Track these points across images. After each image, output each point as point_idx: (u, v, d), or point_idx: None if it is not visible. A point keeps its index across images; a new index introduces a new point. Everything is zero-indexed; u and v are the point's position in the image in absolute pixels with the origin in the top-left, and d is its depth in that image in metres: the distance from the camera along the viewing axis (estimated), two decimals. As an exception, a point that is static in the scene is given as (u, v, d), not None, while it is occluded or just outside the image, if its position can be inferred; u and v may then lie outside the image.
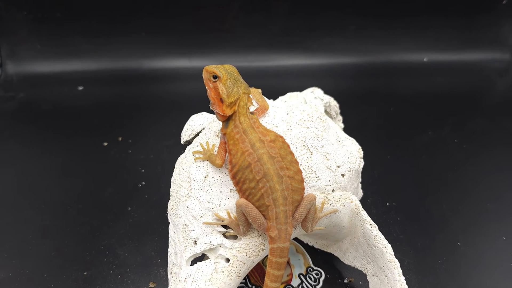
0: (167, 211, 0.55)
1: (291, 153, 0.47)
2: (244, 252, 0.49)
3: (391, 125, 1.03)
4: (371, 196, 0.77)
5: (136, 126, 1.02)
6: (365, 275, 0.56)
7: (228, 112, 0.48)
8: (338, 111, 0.70)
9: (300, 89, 0.69)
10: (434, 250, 0.68)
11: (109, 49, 1.25)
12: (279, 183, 0.45)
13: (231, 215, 0.49)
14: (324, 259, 0.65)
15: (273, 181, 0.44)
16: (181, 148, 0.59)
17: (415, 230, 0.72)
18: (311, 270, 0.64)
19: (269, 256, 0.47)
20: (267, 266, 0.47)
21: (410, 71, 1.26)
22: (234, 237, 0.50)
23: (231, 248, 0.49)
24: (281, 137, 0.48)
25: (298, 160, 0.49)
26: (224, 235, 0.50)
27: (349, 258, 0.60)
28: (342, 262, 0.61)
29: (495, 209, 0.77)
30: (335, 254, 0.63)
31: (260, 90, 0.57)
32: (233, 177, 0.47)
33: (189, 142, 0.59)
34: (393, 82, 1.22)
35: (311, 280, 0.63)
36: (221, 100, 0.47)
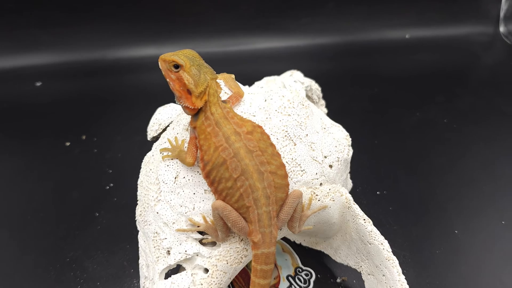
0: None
1: (272, 145, 0.44)
2: (225, 260, 0.45)
3: (376, 108, 1.01)
4: (360, 185, 0.74)
5: (100, 122, 0.98)
6: (359, 273, 0.54)
7: (199, 104, 0.44)
8: (320, 95, 0.69)
9: (278, 73, 0.66)
10: (430, 240, 0.66)
11: (69, 40, 1.20)
12: (259, 180, 0.41)
13: (207, 219, 0.46)
14: (313, 258, 0.63)
15: (253, 178, 0.41)
16: (151, 145, 0.56)
17: (409, 220, 0.70)
18: (300, 270, 0.62)
19: (253, 263, 0.44)
20: (251, 275, 0.44)
21: (392, 49, 1.26)
22: (213, 244, 0.47)
23: (209, 257, 0.45)
24: (260, 127, 0.45)
25: (280, 153, 0.46)
26: (200, 242, 0.47)
27: (341, 256, 0.57)
28: (334, 260, 0.58)
29: (491, 192, 0.75)
30: (325, 252, 0.60)
31: (233, 76, 0.54)
32: (207, 176, 0.43)
33: (156, 138, 0.56)
34: (375, 62, 1.21)
35: (301, 281, 0.60)
36: (189, 92, 0.44)
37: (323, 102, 0.69)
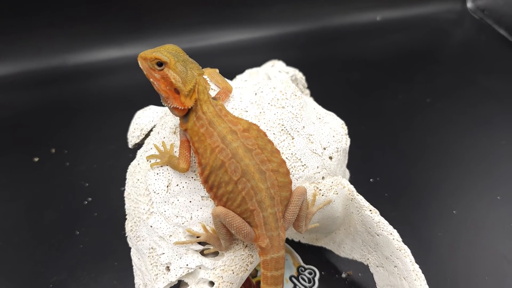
0: (123, 228, 0.49)
1: (270, 141, 0.41)
2: (230, 270, 0.43)
3: (358, 93, 1.00)
4: (353, 174, 0.72)
5: (69, 133, 0.92)
6: (365, 266, 0.52)
7: (189, 103, 0.40)
8: (305, 84, 0.67)
9: (253, 65, 0.64)
10: (431, 224, 0.66)
11: (24, 47, 1.11)
12: (262, 180, 0.38)
13: (208, 228, 0.43)
14: (314, 255, 0.61)
15: (255, 179, 0.38)
16: (129, 152, 0.53)
17: (407, 205, 0.69)
18: (303, 269, 0.59)
19: (262, 270, 0.41)
20: (261, 282, 0.41)
21: (364, 32, 1.24)
22: (215, 254, 0.44)
23: (213, 268, 0.43)
24: (255, 124, 0.42)
25: (279, 149, 0.44)
26: (202, 253, 0.44)
27: (346, 250, 0.55)
28: (337, 255, 0.57)
29: (483, 168, 0.75)
30: (327, 248, 0.59)
31: (217, 70, 0.50)
32: (205, 182, 0.40)
33: (139, 145, 0.52)
34: (349, 47, 1.20)
35: (305, 281, 0.58)
36: (176, 91, 0.40)
37: (307, 91, 0.66)
